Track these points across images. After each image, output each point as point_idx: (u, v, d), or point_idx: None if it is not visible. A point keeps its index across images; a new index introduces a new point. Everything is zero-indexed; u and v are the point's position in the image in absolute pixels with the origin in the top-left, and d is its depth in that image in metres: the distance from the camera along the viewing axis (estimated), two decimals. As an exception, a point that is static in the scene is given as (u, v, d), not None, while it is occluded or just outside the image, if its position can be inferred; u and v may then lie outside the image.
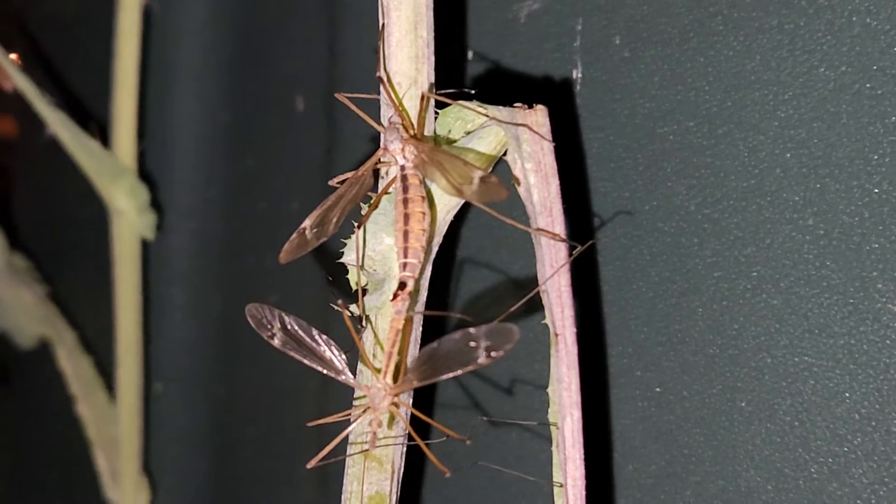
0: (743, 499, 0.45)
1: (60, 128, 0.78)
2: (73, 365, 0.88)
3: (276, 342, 0.46)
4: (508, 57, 0.55)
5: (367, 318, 0.46)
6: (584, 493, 0.43)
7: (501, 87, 0.55)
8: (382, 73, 0.46)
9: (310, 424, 0.47)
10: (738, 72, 0.44)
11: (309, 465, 0.45)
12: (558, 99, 0.52)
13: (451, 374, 0.42)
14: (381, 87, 0.46)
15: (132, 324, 0.84)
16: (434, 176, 0.44)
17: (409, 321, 0.45)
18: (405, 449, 0.47)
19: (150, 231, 0.81)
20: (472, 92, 0.47)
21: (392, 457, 0.46)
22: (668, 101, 0.47)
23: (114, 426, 0.85)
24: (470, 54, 0.57)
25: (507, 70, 0.55)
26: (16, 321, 0.92)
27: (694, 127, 0.46)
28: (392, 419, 0.46)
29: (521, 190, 0.44)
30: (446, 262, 0.57)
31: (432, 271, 0.47)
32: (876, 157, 0.40)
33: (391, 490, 0.46)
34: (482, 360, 0.41)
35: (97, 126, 0.80)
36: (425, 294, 0.47)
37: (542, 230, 0.43)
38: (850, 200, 0.41)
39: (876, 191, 0.40)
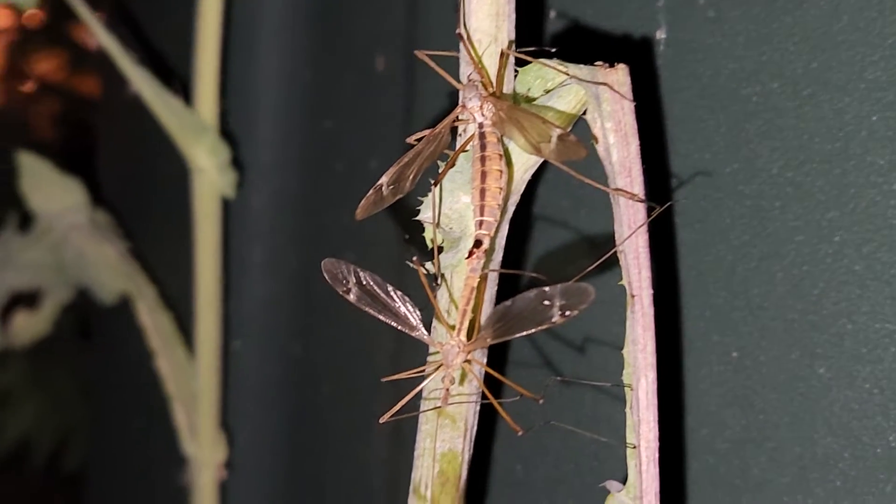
0: (819, 466, 0.44)
1: (144, 85, 0.78)
2: (153, 320, 0.89)
3: (351, 297, 0.46)
4: (590, 15, 0.55)
5: (443, 275, 0.46)
6: (657, 455, 0.42)
7: (582, 46, 0.55)
8: (462, 31, 0.46)
9: (384, 380, 0.47)
10: (825, 32, 0.44)
11: (382, 420, 0.46)
12: (640, 58, 0.51)
13: (525, 333, 0.42)
14: (461, 45, 0.46)
15: (211, 280, 0.84)
16: (512, 134, 0.44)
17: (483, 279, 0.45)
18: (478, 407, 0.47)
19: (231, 189, 0.82)
20: (553, 50, 0.46)
21: (465, 414, 0.46)
22: (752, 62, 0.47)
23: (192, 381, 0.86)
24: (552, 13, 0.57)
25: (588, 28, 0.55)
26: (98, 276, 0.93)
27: (778, 88, 0.46)
28: (465, 376, 0.46)
29: (599, 149, 0.44)
30: (523, 220, 0.57)
31: (508, 230, 0.46)
32: (966, 121, 0.39)
33: (464, 448, 0.46)
34: (556, 319, 0.41)
35: (180, 84, 0.81)
36: (501, 252, 0.47)
37: (621, 190, 0.43)
38: (937, 164, 0.40)
39: (965, 155, 0.40)
